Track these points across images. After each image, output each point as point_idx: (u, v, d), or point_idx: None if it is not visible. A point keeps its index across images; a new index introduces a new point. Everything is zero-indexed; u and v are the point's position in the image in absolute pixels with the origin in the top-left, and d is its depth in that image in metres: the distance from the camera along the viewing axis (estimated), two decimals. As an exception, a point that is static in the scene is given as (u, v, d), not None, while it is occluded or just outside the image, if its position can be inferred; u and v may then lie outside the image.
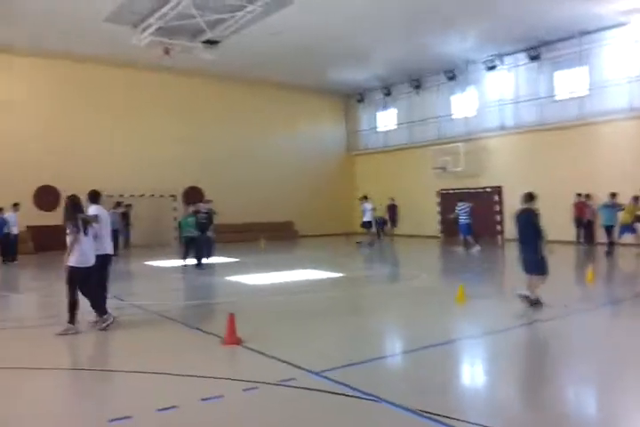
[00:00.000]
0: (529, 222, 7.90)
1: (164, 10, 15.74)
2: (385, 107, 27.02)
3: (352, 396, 4.46)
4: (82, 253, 6.97)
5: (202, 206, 14.59)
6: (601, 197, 16.60)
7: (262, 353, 5.78)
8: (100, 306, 7.28)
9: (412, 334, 6.83)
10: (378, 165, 27.06)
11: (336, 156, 28.45)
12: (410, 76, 24.48)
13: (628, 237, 14.89)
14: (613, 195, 15.20)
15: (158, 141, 22.75)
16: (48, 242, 18.55)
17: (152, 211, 22.16)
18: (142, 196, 21.85)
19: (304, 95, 26.78)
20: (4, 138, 19.69)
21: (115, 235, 17.29)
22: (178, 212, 22.29)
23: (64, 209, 7.27)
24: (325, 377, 4.93)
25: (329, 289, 10.57)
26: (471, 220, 17.38)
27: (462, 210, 17.47)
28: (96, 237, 7.28)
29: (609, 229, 14.95)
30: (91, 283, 7.19)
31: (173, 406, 4.28)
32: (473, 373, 5.50)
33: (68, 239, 6.98)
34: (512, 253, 18.49)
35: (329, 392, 4.55)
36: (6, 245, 15.77)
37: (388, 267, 15.32)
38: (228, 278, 12.00)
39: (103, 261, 7.52)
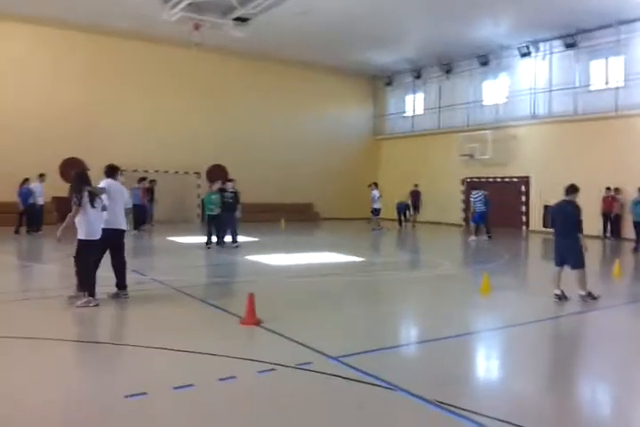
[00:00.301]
0: (571, 215, 7.76)
1: (196, -15, 15.59)
2: (414, 91, 26.56)
3: (369, 383, 4.39)
4: (89, 225, 6.98)
5: (229, 185, 14.37)
6: (631, 192, 16.17)
7: (281, 335, 5.74)
8: (121, 279, 7.42)
9: (433, 324, 6.71)
10: (403, 150, 26.73)
11: (361, 139, 28.17)
12: (440, 60, 24.00)
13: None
14: None
15: (184, 118, 22.76)
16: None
17: (176, 187, 22.26)
18: (167, 172, 21.94)
19: (332, 76, 26.48)
20: (33, 110, 19.85)
21: (141, 210, 17.55)
22: (201, 189, 22.42)
23: (71, 181, 7.25)
24: (343, 363, 4.87)
25: (350, 273, 10.47)
26: (487, 208, 17.12)
27: (477, 199, 17.22)
28: (104, 209, 7.25)
29: (638, 226, 14.58)
30: (99, 255, 7.29)
31: (190, 385, 4.26)
32: (493, 365, 5.39)
33: (72, 212, 6.96)
34: (536, 245, 18.29)
35: (346, 378, 4.49)
36: (31, 215, 15.97)
37: (410, 253, 15.19)
38: (249, 258, 12.00)
39: (115, 235, 7.47)
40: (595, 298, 7.81)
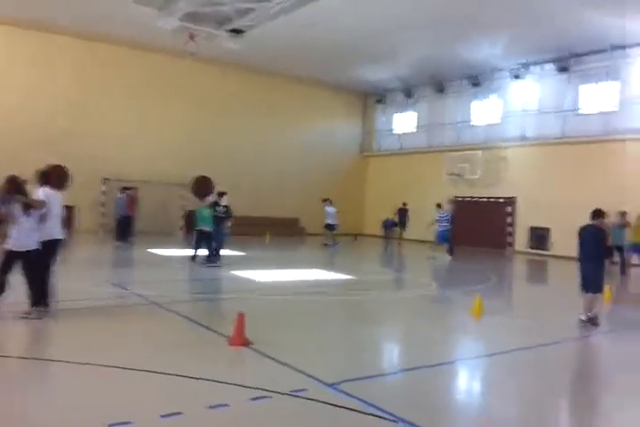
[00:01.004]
0: (596, 239, 7.78)
1: (194, -6, 15.43)
2: (404, 109, 26.64)
3: (369, 414, 4.14)
4: (18, 236, 6.57)
5: (223, 199, 13.51)
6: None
7: (271, 358, 5.46)
8: (36, 295, 6.76)
9: (430, 349, 6.47)
10: (391, 167, 26.70)
11: (349, 155, 28.10)
12: (433, 79, 24.10)
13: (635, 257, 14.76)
14: (623, 214, 14.86)
15: (172, 127, 22.50)
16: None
17: (159, 198, 21.81)
18: (148, 182, 21.51)
19: (324, 91, 26.47)
20: (15, 113, 19.44)
21: (126, 221, 17.05)
22: (185, 200, 22.10)
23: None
24: (339, 390, 4.61)
25: (339, 292, 10.23)
26: (450, 227, 17.03)
27: (443, 217, 17.16)
28: (43, 220, 6.76)
29: (620, 249, 14.70)
30: (32, 268, 6.71)
31: (177, 413, 3.96)
32: (494, 393, 5.16)
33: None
34: (522, 266, 18.23)
35: (344, 407, 4.23)
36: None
37: (396, 272, 14.99)
38: (235, 273, 11.69)
39: (50, 246, 6.94)
40: (596, 324, 7.69)
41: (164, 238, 19.65)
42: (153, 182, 21.58)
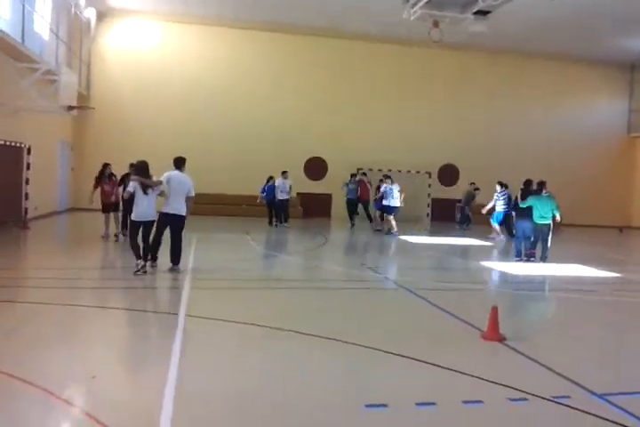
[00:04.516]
0: None
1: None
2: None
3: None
4: (137, 209, 8.26)
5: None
6: None
7: (528, 357, 5.11)
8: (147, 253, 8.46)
9: None
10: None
11: (612, 137, 24.86)
12: None
13: None
14: None
15: (420, 117, 22.74)
16: (314, 208, 20.17)
17: (408, 186, 22.18)
18: (400, 171, 22.08)
19: (577, 66, 23.96)
20: (278, 115, 21.65)
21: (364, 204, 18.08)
22: (432, 189, 22.40)
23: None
24: (611, 402, 4.09)
25: (606, 291, 9.11)
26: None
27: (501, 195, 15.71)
28: (163, 196, 8.43)
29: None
30: (145, 233, 8.41)
31: (432, 403, 3.95)
32: None
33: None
34: None
35: (614, 422, 3.74)
36: (276, 209, 17.38)
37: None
38: (484, 264, 11.33)
39: (170, 220, 8.46)
40: None
41: (412, 225, 20.06)
42: (402, 172, 22.12)
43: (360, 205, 18.39)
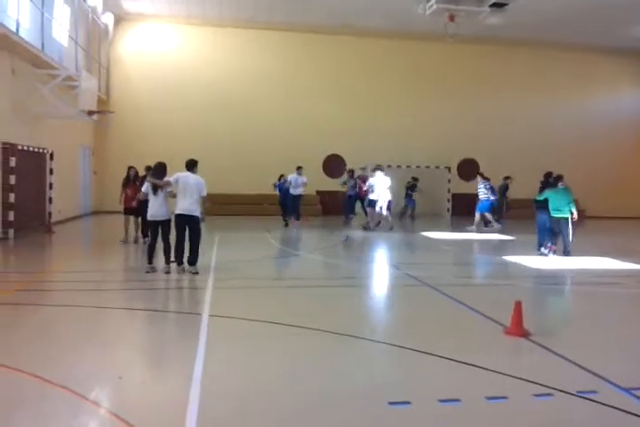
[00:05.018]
0: None
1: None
2: None
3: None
4: (149, 209, 8.52)
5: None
6: None
7: (553, 352, 5.06)
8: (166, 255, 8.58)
9: None
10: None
11: (636, 129, 24.43)
12: None
13: None
14: None
15: (438, 112, 22.60)
16: (333, 206, 20.20)
17: (428, 182, 22.06)
18: (418, 167, 21.96)
19: (600, 57, 23.54)
20: (297, 117, 21.68)
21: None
22: (452, 184, 22.23)
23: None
24: (638, 397, 4.03)
25: (629, 285, 8.94)
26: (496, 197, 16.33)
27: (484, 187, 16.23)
28: (174, 197, 8.50)
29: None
30: (162, 233, 8.53)
31: (456, 400, 3.94)
32: None
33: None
34: None
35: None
36: (286, 205, 17.16)
37: None
38: (508, 258, 11.22)
39: (182, 220, 8.44)
40: None
41: (436, 221, 19.86)
42: (421, 167, 22.01)
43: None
